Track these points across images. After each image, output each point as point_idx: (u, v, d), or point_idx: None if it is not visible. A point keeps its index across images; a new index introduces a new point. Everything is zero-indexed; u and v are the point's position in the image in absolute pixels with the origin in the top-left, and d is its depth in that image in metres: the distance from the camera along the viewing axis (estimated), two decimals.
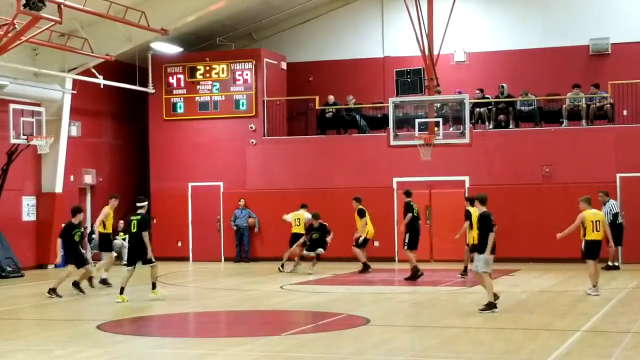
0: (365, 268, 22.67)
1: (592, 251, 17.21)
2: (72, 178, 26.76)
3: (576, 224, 17.23)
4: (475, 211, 20.02)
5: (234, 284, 21.26)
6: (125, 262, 25.84)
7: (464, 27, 27.46)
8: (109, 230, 19.84)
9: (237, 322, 15.31)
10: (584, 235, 17.19)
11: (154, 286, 17.57)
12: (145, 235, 17.28)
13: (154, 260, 17.47)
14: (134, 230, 17.36)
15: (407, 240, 20.97)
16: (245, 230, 27.04)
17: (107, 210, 19.75)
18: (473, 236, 18.83)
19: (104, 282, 19.81)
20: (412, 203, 21.21)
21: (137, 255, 17.39)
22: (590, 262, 17.27)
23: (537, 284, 19.57)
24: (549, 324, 13.77)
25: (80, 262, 18.43)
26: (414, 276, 20.72)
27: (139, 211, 17.63)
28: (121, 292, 17.16)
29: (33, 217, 25.64)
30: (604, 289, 17.79)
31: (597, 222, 17.12)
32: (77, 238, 18.28)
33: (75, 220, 18.43)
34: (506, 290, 18.39)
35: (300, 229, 23.07)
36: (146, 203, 18.03)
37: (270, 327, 14.39)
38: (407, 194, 21.44)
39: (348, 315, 14.90)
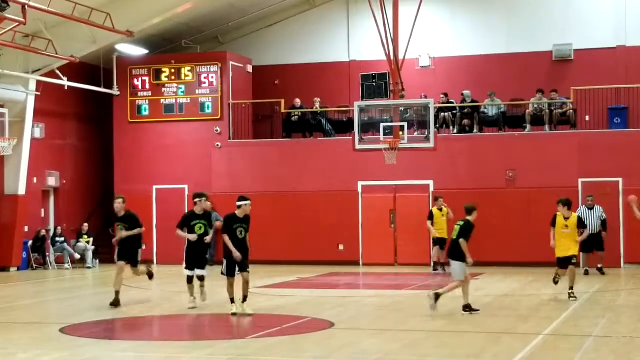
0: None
1: None
2: (35, 180, 26.55)
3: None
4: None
5: (198, 287, 21.13)
6: (89, 265, 25.68)
7: (429, 32, 27.61)
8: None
9: (201, 325, 15.28)
10: None
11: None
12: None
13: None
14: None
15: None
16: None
17: None
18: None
19: None
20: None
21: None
22: None
23: (500, 288, 19.70)
24: (512, 327, 13.90)
25: None
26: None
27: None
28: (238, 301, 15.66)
29: None
30: (565, 294, 17.95)
31: None
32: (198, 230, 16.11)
33: (197, 209, 16.22)
34: (470, 294, 18.50)
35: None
36: (245, 202, 15.24)
37: (234, 331, 14.39)
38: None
39: (313, 318, 14.91)
